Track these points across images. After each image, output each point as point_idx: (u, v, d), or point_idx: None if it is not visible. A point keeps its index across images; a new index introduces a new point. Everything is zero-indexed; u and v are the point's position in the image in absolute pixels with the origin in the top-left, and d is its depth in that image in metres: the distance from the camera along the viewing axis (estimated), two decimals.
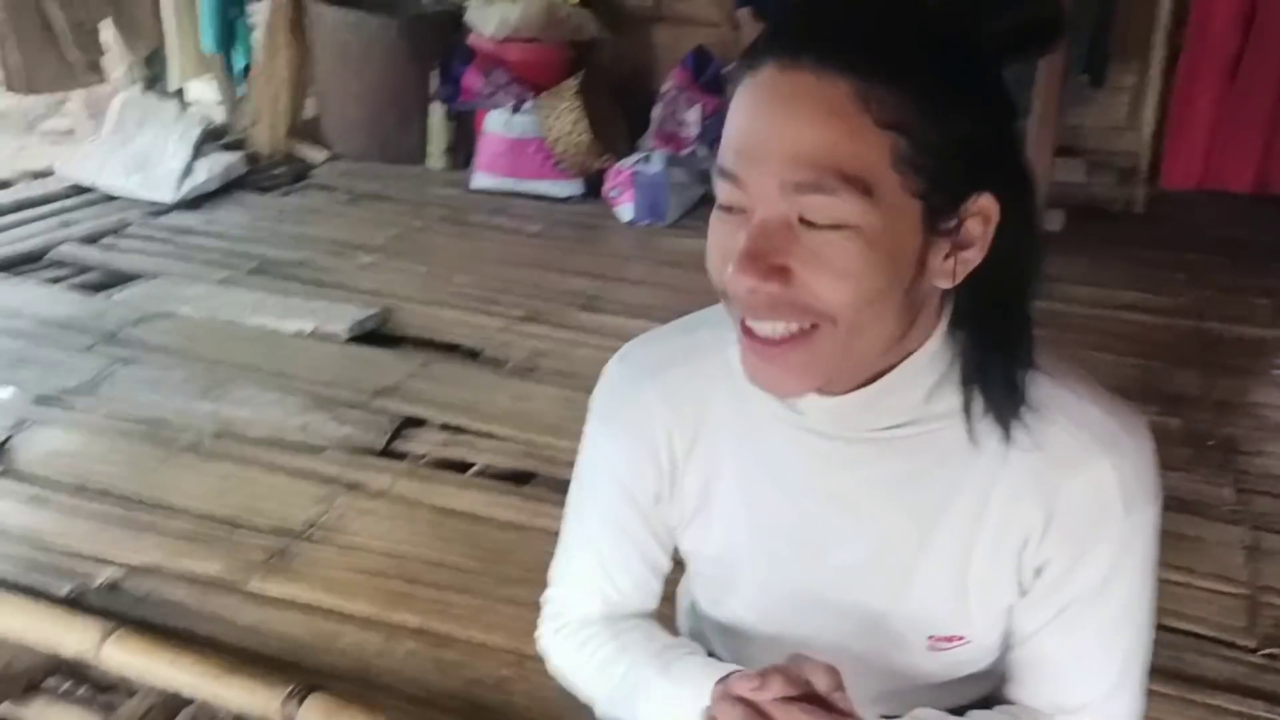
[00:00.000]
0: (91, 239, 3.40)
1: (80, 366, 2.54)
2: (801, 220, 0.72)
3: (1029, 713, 0.94)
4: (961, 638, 0.91)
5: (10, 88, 3.77)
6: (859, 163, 0.71)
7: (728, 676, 0.87)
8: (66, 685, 1.74)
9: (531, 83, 3.99)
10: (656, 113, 4.03)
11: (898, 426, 0.84)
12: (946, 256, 0.77)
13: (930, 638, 0.91)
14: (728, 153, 0.75)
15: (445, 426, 2.36)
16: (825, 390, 0.83)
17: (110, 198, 3.77)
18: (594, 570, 1.01)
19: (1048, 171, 3.53)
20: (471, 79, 4.03)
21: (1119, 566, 0.85)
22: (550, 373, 2.56)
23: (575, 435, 1.00)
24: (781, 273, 0.73)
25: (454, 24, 4.23)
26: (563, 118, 3.85)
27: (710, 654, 0.99)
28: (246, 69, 4.27)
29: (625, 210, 3.71)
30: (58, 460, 2.18)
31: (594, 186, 3.92)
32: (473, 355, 2.72)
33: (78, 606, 1.74)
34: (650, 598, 1.03)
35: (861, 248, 0.72)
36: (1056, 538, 0.85)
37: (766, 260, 0.73)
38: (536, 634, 1.06)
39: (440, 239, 3.54)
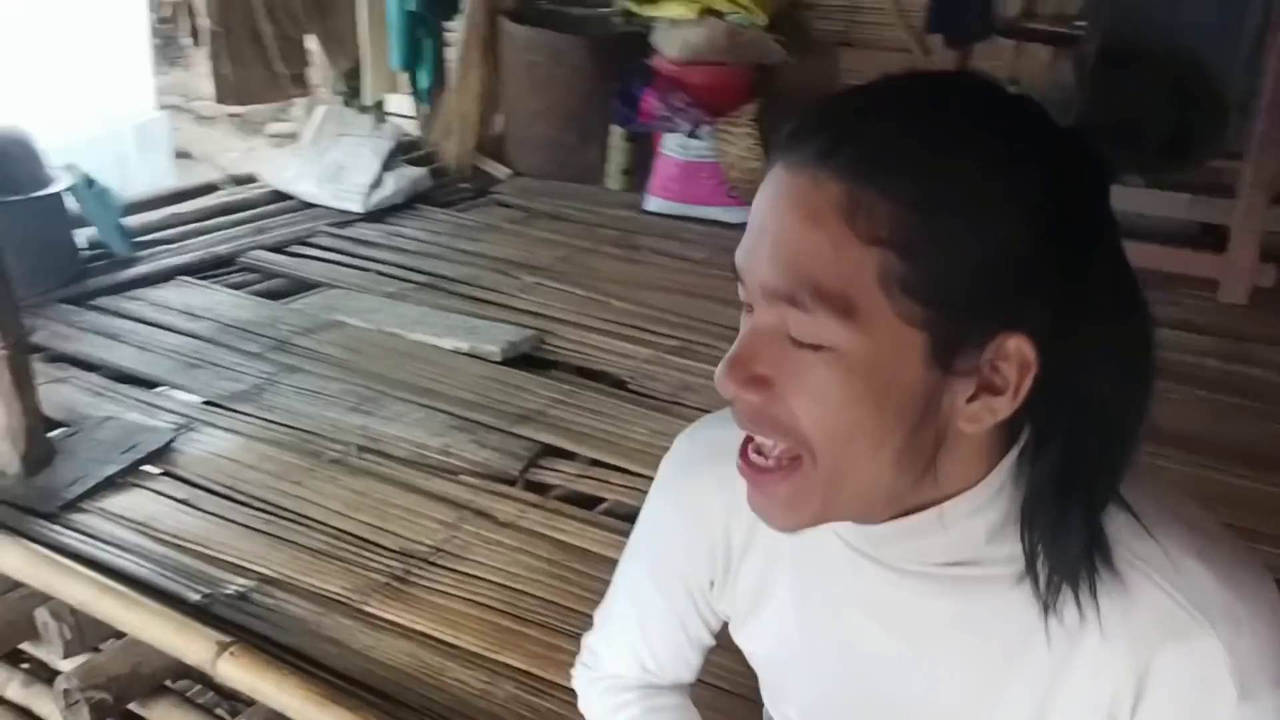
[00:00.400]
0: (280, 246, 3.57)
1: (248, 372, 2.67)
2: (786, 331, 0.67)
3: None
4: None
5: (220, 100, 4.01)
6: (839, 280, 0.64)
7: None
8: (195, 689, 1.82)
9: (711, 106, 3.95)
10: None
11: (956, 565, 0.74)
12: (971, 399, 0.67)
13: None
14: (739, 250, 0.70)
15: (580, 459, 2.35)
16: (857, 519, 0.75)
17: (305, 205, 3.95)
18: (634, 634, 0.98)
19: (1261, 218, 3.24)
20: (650, 101, 4.02)
21: None
22: (693, 409, 2.51)
23: None
24: (761, 383, 0.69)
25: (641, 45, 4.24)
26: (738, 143, 3.80)
27: None
28: (430, 88, 4.41)
29: None
30: (213, 464, 2.28)
31: None
32: (619, 385, 2.70)
33: (205, 614, 1.81)
34: (687, 670, 1.00)
35: (841, 375, 0.65)
36: (1151, 714, 0.71)
37: (748, 369, 0.69)
38: (572, 670, 1.07)
39: (605, 262, 3.54)
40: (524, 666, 1.75)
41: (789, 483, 0.71)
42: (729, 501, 0.86)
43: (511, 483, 2.26)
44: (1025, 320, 0.65)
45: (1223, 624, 0.69)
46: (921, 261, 0.63)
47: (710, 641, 0.98)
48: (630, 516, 2.10)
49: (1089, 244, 0.66)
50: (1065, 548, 0.69)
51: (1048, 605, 0.71)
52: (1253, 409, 2.68)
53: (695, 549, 0.90)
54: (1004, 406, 0.67)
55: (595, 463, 2.33)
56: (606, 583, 1.02)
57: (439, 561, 2.00)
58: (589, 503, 2.22)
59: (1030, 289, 0.65)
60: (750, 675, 1.56)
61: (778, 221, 0.66)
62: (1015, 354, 0.66)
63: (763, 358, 0.68)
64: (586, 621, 1.09)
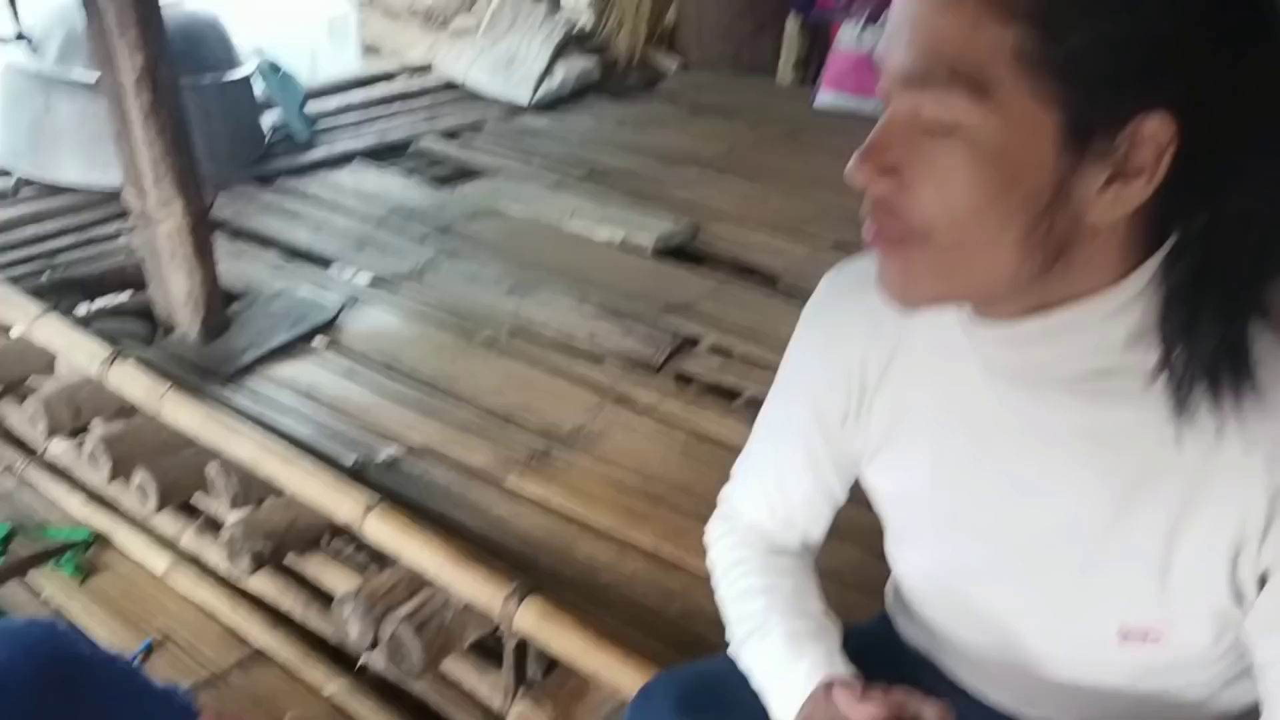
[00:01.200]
0: (451, 134, 3.65)
1: (413, 254, 2.76)
2: (919, 120, 0.67)
3: None
4: (1159, 634, 0.78)
5: None
6: (974, 58, 0.63)
7: (832, 682, 0.83)
8: (349, 548, 1.94)
9: None
10: None
11: (1093, 376, 0.72)
12: (1105, 186, 0.64)
13: (1122, 627, 0.79)
14: (881, 45, 0.70)
15: (723, 351, 2.35)
16: (991, 314, 0.74)
17: (476, 96, 4.02)
18: (769, 475, 1.00)
19: None
20: None
21: None
22: None
23: None
24: (890, 173, 0.69)
25: None
26: None
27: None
28: None
29: None
30: (375, 339, 2.39)
31: None
32: (770, 281, 2.67)
33: (358, 477, 1.91)
34: (817, 522, 1.01)
35: (970, 158, 0.65)
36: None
37: (880, 157, 0.69)
38: (708, 525, 1.10)
39: (770, 157, 3.48)
40: (651, 545, 1.79)
41: (899, 259, 0.72)
42: (870, 330, 0.88)
43: (655, 370, 2.28)
44: (1168, 98, 0.62)
45: None
46: (1062, 35, 0.61)
47: (841, 495, 0.99)
48: None
49: (1249, 28, 0.62)
50: (1201, 344, 0.67)
51: (1182, 407, 0.69)
52: None
53: (834, 378, 0.91)
54: (1137, 193, 0.64)
55: (739, 357, 2.33)
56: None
57: (577, 443, 2.05)
58: (729, 395, 2.22)
59: (1178, 67, 0.61)
60: (871, 565, 1.56)
61: (916, 4, 0.66)
62: (1153, 135, 0.63)
63: (895, 147, 0.68)
64: (715, 507, 1.11)
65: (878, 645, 1.02)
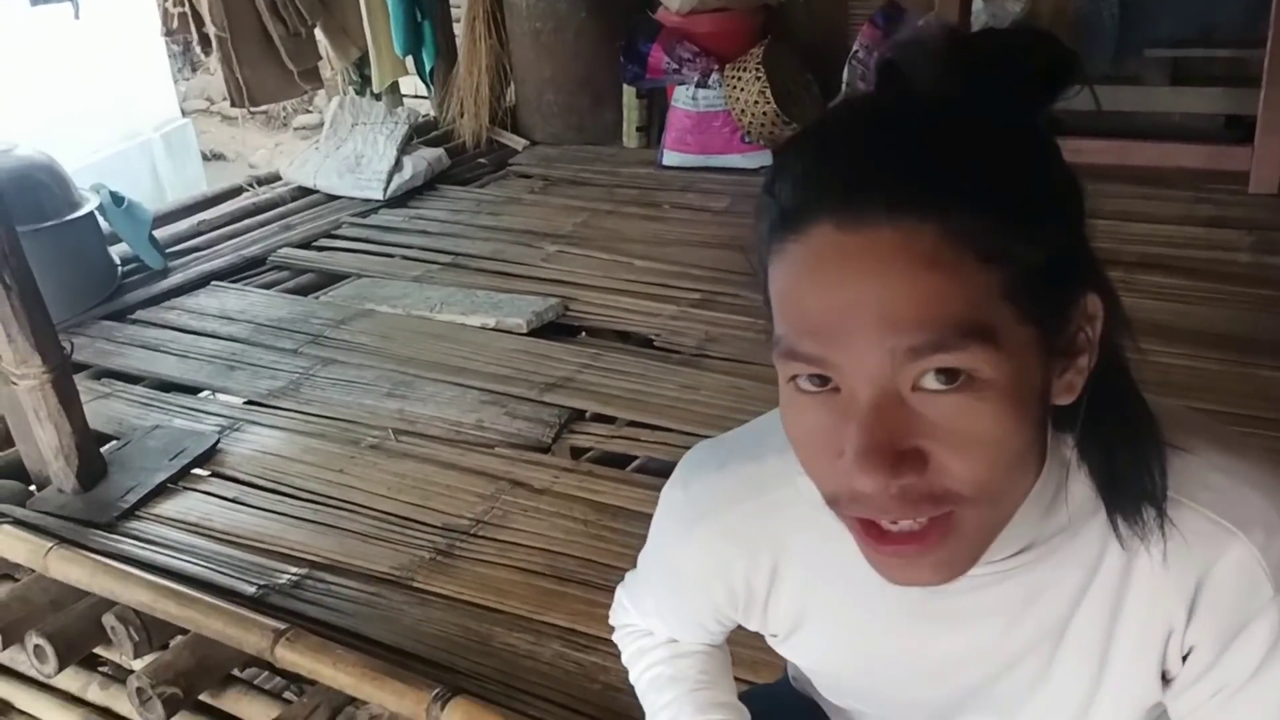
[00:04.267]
0: (307, 242, 3.64)
1: (286, 368, 2.74)
2: (917, 389, 0.62)
3: None
4: None
5: (236, 104, 4.07)
6: (975, 309, 0.61)
7: None
8: (261, 675, 1.90)
9: (719, 54, 3.94)
10: (847, 75, 3.89)
11: (1015, 555, 0.75)
12: (1062, 374, 0.67)
13: None
14: (802, 337, 0.63)
15: (611, 420, 2.39)
16: None
17: (329, 198, 4.02)
18: (656, 618, 1.00)
19: None
20: (657, 55, 4.01)
21: (1276, 648, 0.74)
22: (719, 359, 2.54)
23: (740, 424, 0.92)
24: (916, 459, 0.62)
25: (643, 0, 4.23)
26: (747, 88, 3.79)
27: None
28: (434, 69, 4.45)
29: None
30: (260, 461, 2.36)
31: None
32: (645, 344, 2.74)
33: (263, 605, 1.88)
34: (713, 641, 1.00)
35: (997, 405, 0.62)
36: (1202, 626, 0.74)
37: (895, 449, 0.62)
38: (611, 610, 1.08)
39: (626, 222, 3.57)
40: (567, 624, 1.80)
41: (949, 539, 0.65)
42: (742, 552, 0.84)
43: (545, 450, 2.31)
44: (1090, 278, 0.67)
45: (1258, 528, 0.71)
46: (1025, 259, 0.62)
47: (732, 628, 0.97)
48: (663, 472, 2.15)
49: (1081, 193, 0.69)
50: (1134, 481, 0.71)
51: (1125, 546, 0.73)
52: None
53: (713, 591, 0.87)
54: (1087, 364, 0.68)
55: (626, 423, 2.37)
56: (641, 538, 0.99)
57: (480, 533, 2.05)
58: (622, 462, 2.26)
59: (1086, 247, 0.67)
60: None
61: (882, 283, 0.60)
62: (1093, 311, 0.67)
63: (900, 431, 0.62)
64: (623, 576, 1.10)
65: (795, 714, 1.05)
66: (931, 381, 0.61)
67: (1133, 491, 0.71)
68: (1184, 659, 0.76)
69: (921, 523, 0.64)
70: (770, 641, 0.91)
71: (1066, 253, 0.64)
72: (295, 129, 8.45)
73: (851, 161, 0.63)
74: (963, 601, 0.77)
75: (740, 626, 0.93)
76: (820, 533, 0.77)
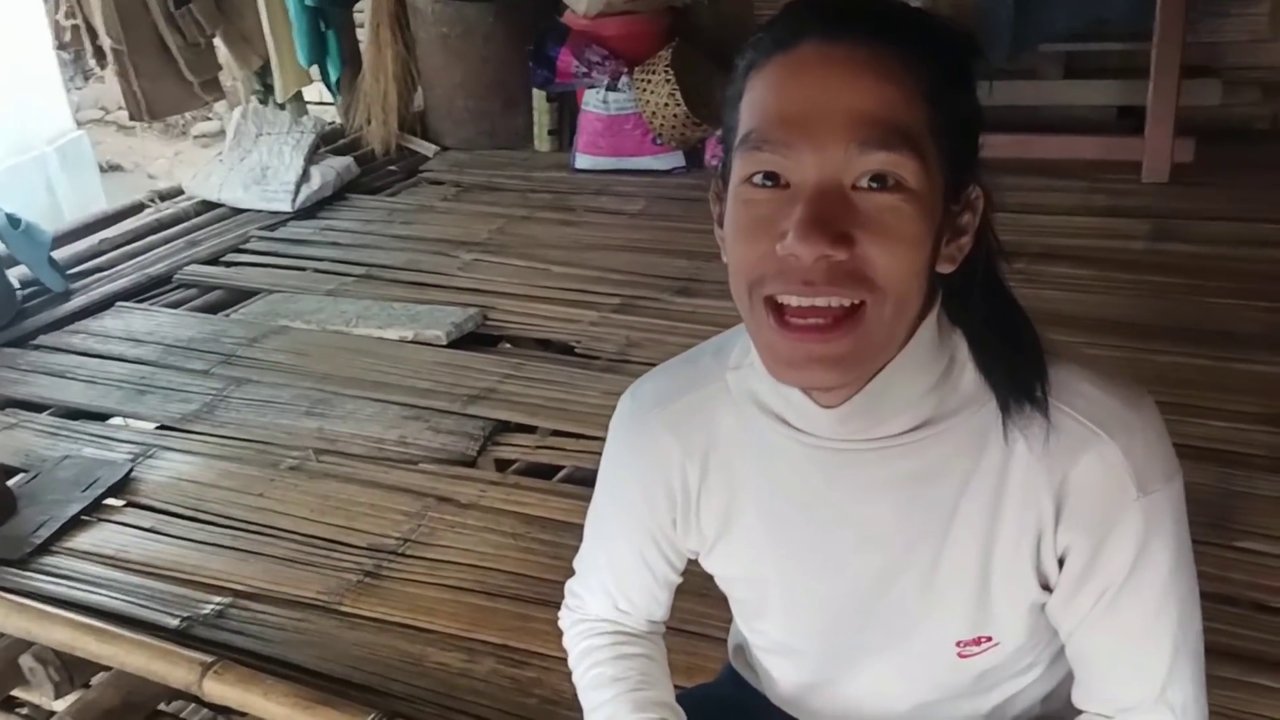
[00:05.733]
0: (214, 258, 3.56)
1: (199, 390, 2.68)
2: (855, 187, 0.73)
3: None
4: (989, 639, 0.89)
5: (134, 117, 3.97)
6: (913, 126, 0.74)
7: None
8: (189, 709, 1.86)
9: (628, 57, 3.94)
10: None
11: (910, 431, 0.83)
12: (949, 242, 0.79)
13: (958, 643, 0.90)
14: (771, 124, 0.75)
15: (534, 430, 2.39)
16: (824, 402, 0.82)
17: (235, 211, 3.93)
18: (606, 576, 1.05)
19: (1173, 96, 3.29)
20: (566, 59, 4.01)
21: (1147, 548, 0.83)
22: (641, 364, 2.55)
23: None
24: (846, 239, 0.73)
25: (552, 4, 4.21)
26: (657, 90, 3.80)
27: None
28: (341, 78, 4.39)
29: None
30: (176, 488, 2.31)
31: (697, 157, 3.87)
32: (566, 350, 2.74)
33: (187, 638, 1.85)
34: (659, 608, 1.07)
35: (915, 213, 0.74)
36: (1071, 524, 0.83)
37: (833, 226, 0.72)
38: (560, 613, 1.13)
39: (541, 228, 3.56)
40: (500, 640, 1.80)
41: (856, 330, 0.75)
42: (677, 444, 0.94)
43: (470, 464, 2.30)
44: (977, 173, 0.80)
45: (1120, 431, 0.81)
46: (951, 114, 0.76)
47: (676, 579, 1.05)
48: (589, 481, 2.14)
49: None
50: (1020, 376, 0.81)
51: (1008, 435, 0.82)
52: (1180, 285, 2.75)
53: (654, 495, 0.96)
54: (967, 246, 0.80)
55: (549, 432, 2.38)
56: (572, 549, 1.08)
57: (408, 552, 2.04)
58: (548, 472, 2.26)
59: (977, 146, 0.80)
60: (713, 615, 1.62)
61: (852, 83, 0.73)
62: (977, 200, 0.81)
63: (838, 215, 0.73)
64: (556, 589, 1.14)
65: (729, 711, 1.08)
66: (866, 183, 0.73)
67: (1016, 381, 0.81)
68: (1060, 563, 0.84)
69: (835, 310, 0.74)
70: (703, 562, 1.00)
71: (975, 127, 0.79)
72: (195, 137, 8.23)
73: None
74: (861, 475, 0.85)
75: (681, 587, 1.05)
76: (742, 420, 0.89)
